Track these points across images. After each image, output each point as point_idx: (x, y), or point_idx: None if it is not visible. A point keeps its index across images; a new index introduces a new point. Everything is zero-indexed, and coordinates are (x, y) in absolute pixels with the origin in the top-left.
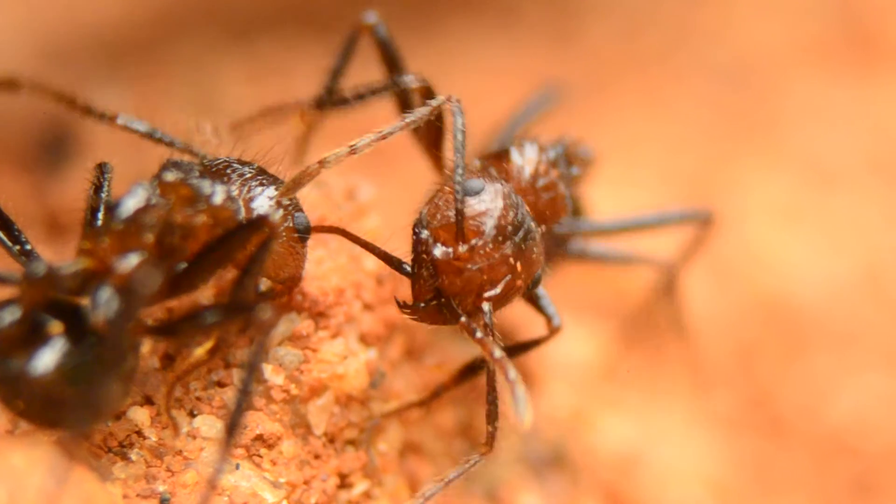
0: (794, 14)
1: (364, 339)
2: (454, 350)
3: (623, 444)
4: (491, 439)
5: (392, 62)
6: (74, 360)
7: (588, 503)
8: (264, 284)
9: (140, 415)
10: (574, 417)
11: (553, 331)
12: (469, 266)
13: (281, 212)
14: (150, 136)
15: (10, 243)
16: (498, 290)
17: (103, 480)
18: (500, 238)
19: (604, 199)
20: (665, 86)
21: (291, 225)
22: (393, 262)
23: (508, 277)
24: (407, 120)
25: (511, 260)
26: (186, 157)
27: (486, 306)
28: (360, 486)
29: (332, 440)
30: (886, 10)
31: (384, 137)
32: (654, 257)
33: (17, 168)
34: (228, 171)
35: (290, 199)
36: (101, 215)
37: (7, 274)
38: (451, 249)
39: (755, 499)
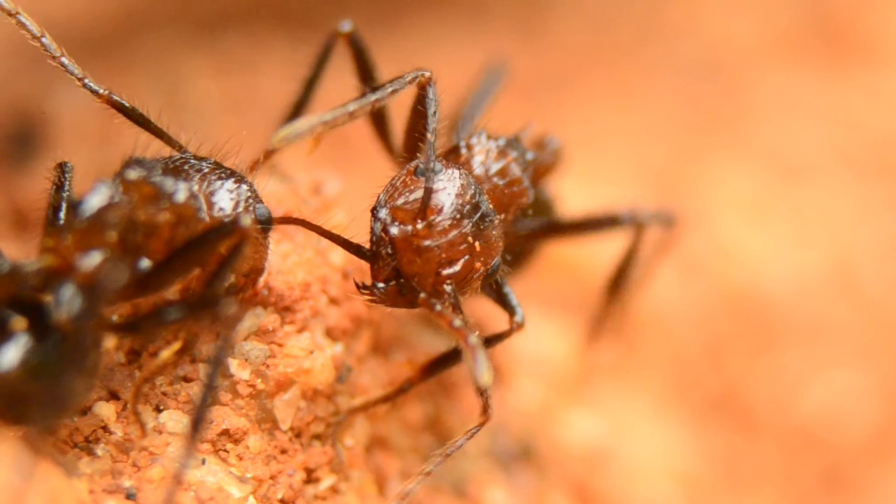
0: (763, 8)
1: (330, 334)
2: (421, 345)
3: (591, 438)
4: (486, 407)
5: (366, 71)
6: (38, 356)
7: (556, 498)
8: (228, 278)
9: (106, 410)
10: (542, 412)
11: (516, 326)
12: (427, 243)
13: (252, 217)
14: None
15: None
16: (457, 268)
17: (69, 476)
18: (458, 216)
19: (572, 193)
20: (634, 79)
21: (253, 216)
22: (352, 248)
23: (467, 257)
24: (379, 94)
25: (469, 239)
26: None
27: (447, 286)
28: (326, 481)
29: (298, 435)
30: (855, 4)
31: (358, 112)
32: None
33: None
34: (186, 167)
35: (251, 191)
36: (62, 213)
37: None
38: (409, 227)
39: (725, 492)
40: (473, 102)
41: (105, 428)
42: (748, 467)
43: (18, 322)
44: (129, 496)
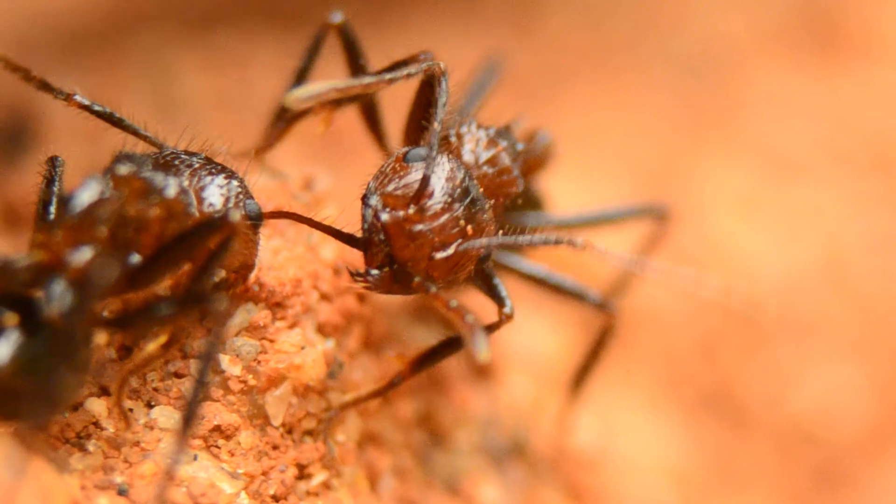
0: (756, 4)
1: (322, 330)
2: (412, 340)
3: (585, 435)
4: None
5: (357, 63)
6: (29, 351)
7: (549, 494)
8: (218, 274)
9: (97, 406)
10: (535, 408)
11: (505, 318)
12: (419, 227)
13: (241, 213)
14: (108, 118)
15: None
16: (450, 251)
17: (61, 472)
18: (449, 200)
19: (564, 188)
20: (627, 75)
21: (243, 213)
22: (343, 237)
23: (459, 241)
24: (393, 75)
25: (461, 222)
26: (142, 145)
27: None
28: (318, 477)
29: (290, 431)
30: (847, 0)
31: (371, 86)
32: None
33: None
34: (177, 162)
35: (241, 186)
36: (53, 208)
37: None
38: (400, 212)
39: (718, 489)
40: (469, 95)
41: (97, 424)
42: (741, 464)
43: (9, 318)
44: (121, 492)
